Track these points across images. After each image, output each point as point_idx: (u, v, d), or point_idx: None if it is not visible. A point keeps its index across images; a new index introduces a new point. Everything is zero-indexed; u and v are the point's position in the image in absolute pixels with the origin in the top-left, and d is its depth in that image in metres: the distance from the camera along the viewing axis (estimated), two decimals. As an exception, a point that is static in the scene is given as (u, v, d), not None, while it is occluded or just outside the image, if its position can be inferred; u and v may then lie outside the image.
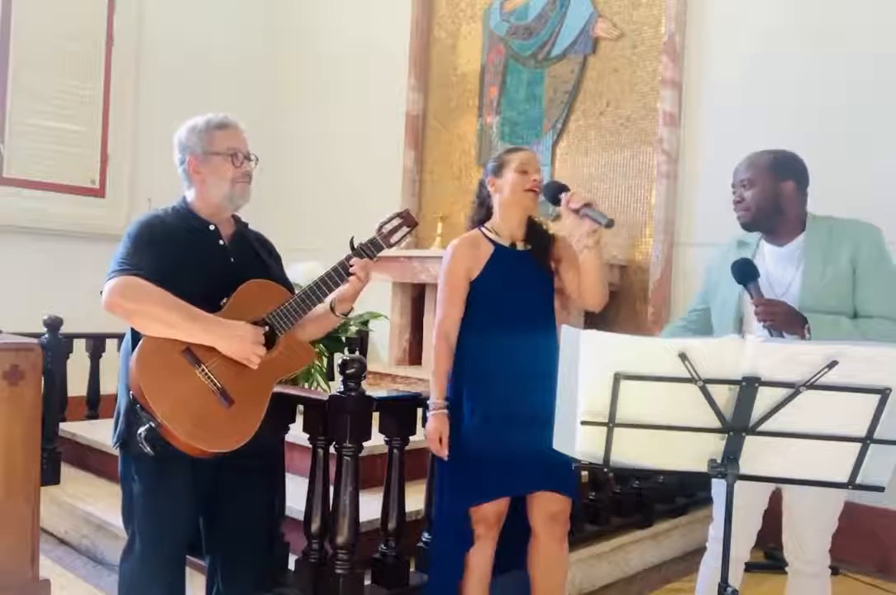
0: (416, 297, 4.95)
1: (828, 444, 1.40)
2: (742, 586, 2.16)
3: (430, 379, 2.23)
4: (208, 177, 1.95)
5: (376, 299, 4.46)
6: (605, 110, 4.45)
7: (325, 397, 2.43)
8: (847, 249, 2.02)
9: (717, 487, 2.13)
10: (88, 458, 3.87)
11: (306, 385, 3.59)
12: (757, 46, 3.85)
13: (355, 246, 2.02)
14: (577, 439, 1.43)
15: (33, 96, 5.10)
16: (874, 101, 3.48)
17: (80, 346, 4.21)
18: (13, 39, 5.00)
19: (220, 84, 5.73)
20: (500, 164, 2.27)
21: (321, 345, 3.62)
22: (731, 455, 1.43)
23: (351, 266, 1.97)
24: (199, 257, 1.91)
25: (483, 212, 2.32)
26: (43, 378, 2.63)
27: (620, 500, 3.34)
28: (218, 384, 1.83)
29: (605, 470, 1.48)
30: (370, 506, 2.54)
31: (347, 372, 2.32)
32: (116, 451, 1.95)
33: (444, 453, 2.17)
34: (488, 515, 2.19)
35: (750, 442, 1.41)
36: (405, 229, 2.07)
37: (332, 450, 2.41)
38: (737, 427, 1.40)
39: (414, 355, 4.96)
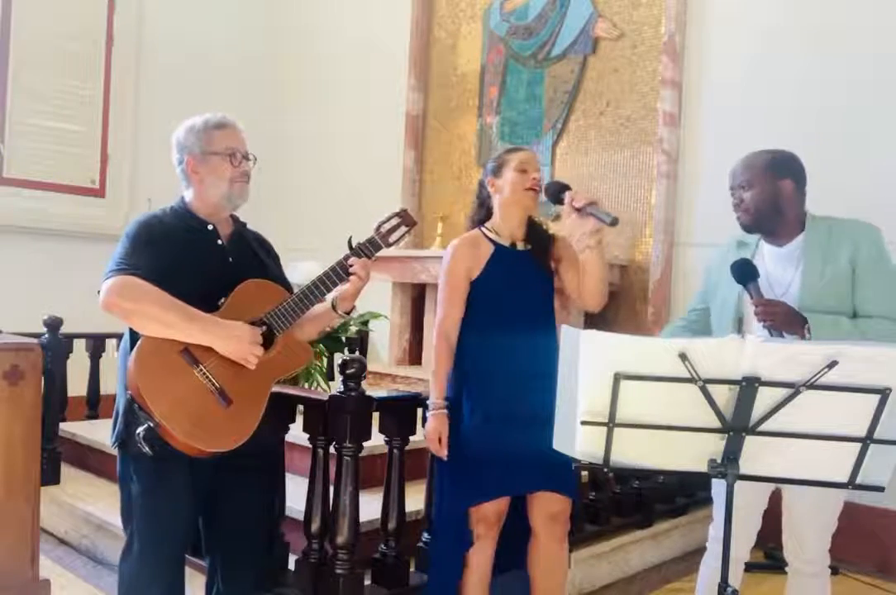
0: (416, 297, 4.95)
1: (828, 444, 1.40)
2: (742, 586, 2.16)
3: (430, 379, 2.23)
4: (206, 177, 1.95)
5: (376, 299, 4.46)
6: (605, 110, 4.45)
7: (325, 397, 2.43)
8: (846, 249, 2.02)
9: (717, 487, 2.13)
10: (88, 458, 3.87)
11: (306, 385, 3.59)
12: (757, 46, 3.85)
13: (353, 245, 2.02)
14: (577, 439, 1.43)
15: (33, 96, 5.10)
16: (874, 101, 3.48)
17: (80, 346, 4.21)
18: (13, 39, 5.00)
19: (220, 84, 5.73)
20: (500, 164, 2.27)
21: (321, 345, 3.62)
22: (731, 455, 1.42)
23: (350, 266, 1.97)
24: (197, 257, 1.91)
25: (483, 212, 2.32)
26: (43, 378, 2.63)
27: (620, 500, 3.34)
28: (216, 384, 1.83)
29: (605, 470, 1.48)
30: (370, 506, 2.54)
31: (347, 372, 2.32)
32: (115, 452, 1.95)
33: (443, 453, 2.17)
34: (488, 515, 2.19)
35: (750, 442, 1.41)
36: (404, 229, 2.07)
37: (332, 450, 2.41)
38: (737, 427, 1.40)
39: (414, 355, 4.96)
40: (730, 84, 3.95)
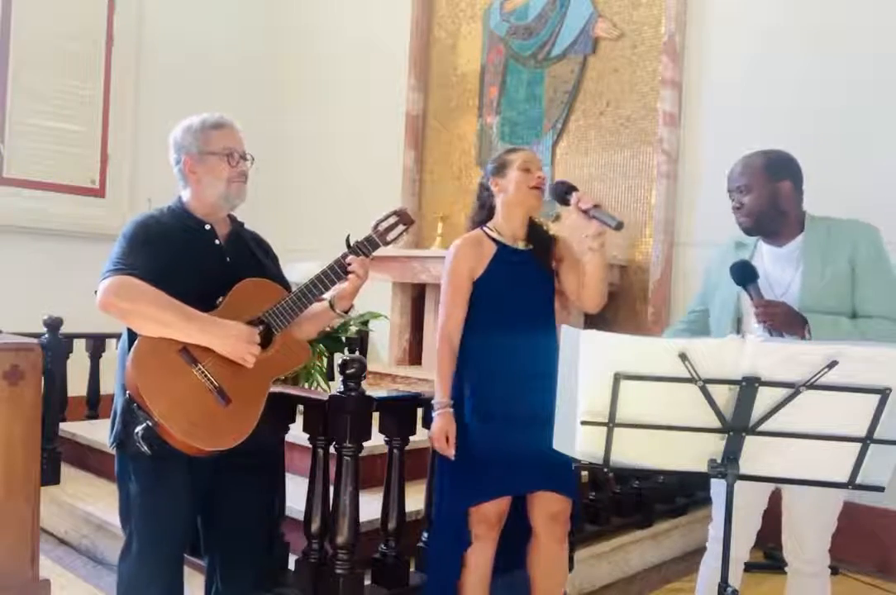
0: (416, 297, 4.95)
1: (828, 444, 1.40)
2: (742, 586, 2.16)
3: (435, 379, 2.22)
4: (204, 176, 1.95)
5: (376, 299, 4.46)
6: (605, 110, 4.45)
7: (325, 397, 2.43)
8: (845, 250, 2.02)
9: (717, 487, 2.13)
10: (88, 458, 3.87)
11: (306, 385, 3.59)
12: (757, 46, 3.85)
13: (351, 244, 2.01)
14: (577, 439, 1.43)
15: (33, 96, 5.10)
16: (874, 102, 3.48)
17: (80, 346, 4.21)
18: (13, 39, 5.00)
19: (220, 84, 5.73)
20: (502, 163, 2.26)
21: (321, 345, 3.62)
22: (731, 455, 1.42)
23: (348, 264, 1.97)
24: (194, 257, 1.91)
25: (484, 213, 2.32)
26: (43, 378, 2.63)
27: (620, 500, 3.34)
28: (215, 383, 1.83)
29: (605, 470, 1.48)
30: (370, 506, 2.54)
31: (347, 372, 2.32)
32: (114, 452, 1.95)
33: (450, 453, 2.16)
34: (489, 515, 2.18)
35: (750, 442, 1.41)
36: (401, 227, 2.07)
37: (332, 450, 2.41)
38: (737, 427, 1.40)
39: (414, 355, 4.96)
40: (730, 84, 3.94)
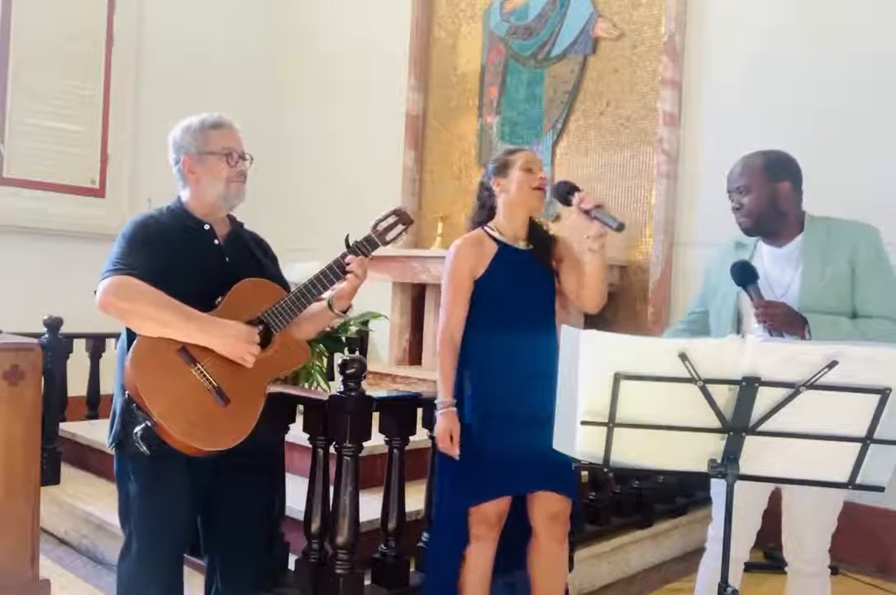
0: (416, 297, 4.95)
1: (828, 444, 1.40)
2: (742, 586, 2.16)
3: (438, 379, 2.22)
4: (203, 176, 1.95)
5: (376, 299, 4.46)
6: (605, 110, 4.45)
7: (325, 397, 2.43)
8: (845, 250, 2.02)
9: (717, 487, 2.13)
10: (88, 458, 3.87)
11: (306, 385, 3.59)
12: (757, 46, 3.85)
13: (350, 243, 2.01)
14: (577, 439, 1.43)
15: (33, 96, 5.10)
16: (874, 102, 3.48)
17: (80, 346, 4.21)
18: (13, 39, 5.00)
19: (220, 84, 5.73)
20: (504, 164, 2.26)
21: (321, 345, 3.62)
22: (731, 455, 1.42)
23: (347, 264, 1.97)
24: (193, 257, 1.91)
25: (484, 214, 2.31)
26: (43, 378, 2.63)
27: (620, 500, 3.34)
28: (214, 383, 1.83)
29: (605, 470, 1.48)
30: (370, 506, 2.54)
31: (347, 372, 2.32)
32: (113, 452, 1.95)
33: (455, 452, 2.15)
34: (489, 515, 2.18)
35: (750, 442, 1.41)
36: (400, 227, 2.06)
37: (332, 450, 2.41)
38: (737, 427, 1.40)
39: (414, 355, 4.95)
40: (730, 84, 3.94)
